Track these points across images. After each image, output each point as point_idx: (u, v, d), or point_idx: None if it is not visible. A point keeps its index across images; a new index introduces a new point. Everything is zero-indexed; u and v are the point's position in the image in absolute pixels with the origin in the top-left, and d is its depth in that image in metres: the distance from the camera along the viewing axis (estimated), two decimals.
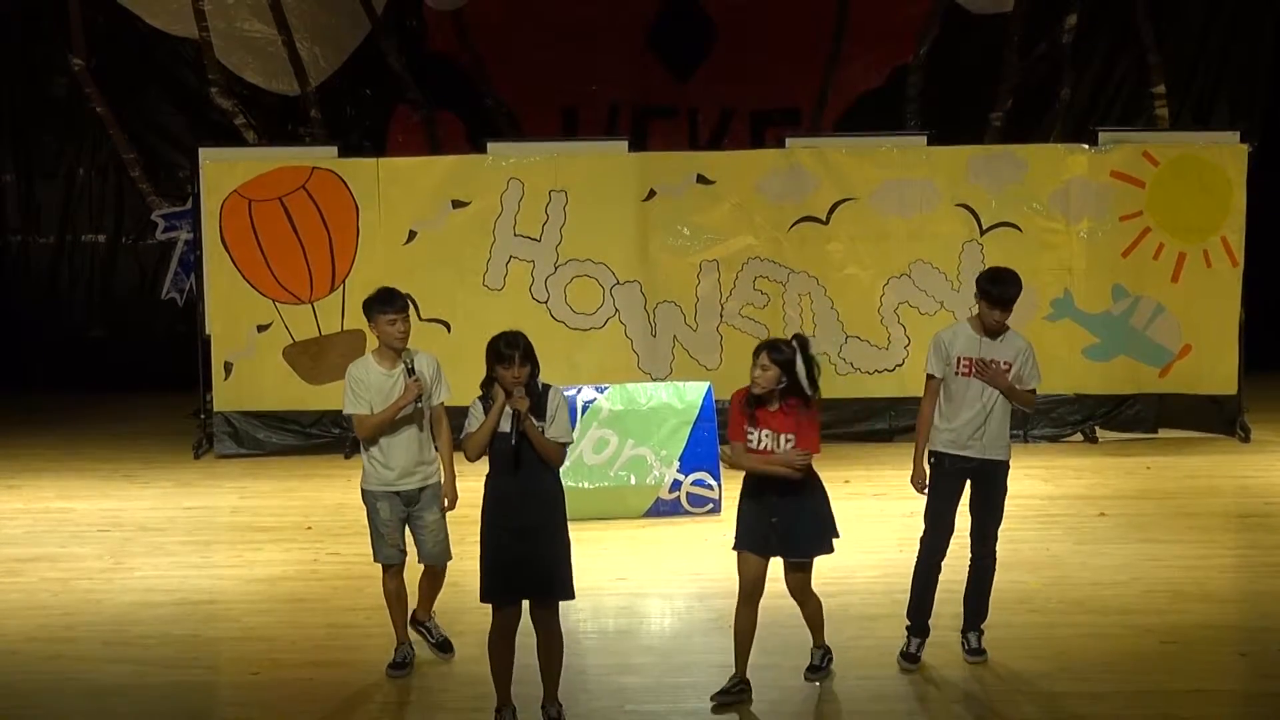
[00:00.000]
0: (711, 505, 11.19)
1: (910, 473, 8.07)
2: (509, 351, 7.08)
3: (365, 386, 7.80)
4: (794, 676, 7.69)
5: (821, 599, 8.68)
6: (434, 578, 8.15)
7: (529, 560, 7.13)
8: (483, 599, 7.27)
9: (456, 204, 13.69)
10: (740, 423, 7.40)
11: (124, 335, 17.18)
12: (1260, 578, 9.73)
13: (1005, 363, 7.82)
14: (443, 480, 7.93)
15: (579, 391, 11.42)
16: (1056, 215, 13.72)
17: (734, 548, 7.55)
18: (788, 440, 7.31)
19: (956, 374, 7.86)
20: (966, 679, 7.83)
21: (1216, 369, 13.79)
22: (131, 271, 17.43)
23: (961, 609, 8.11)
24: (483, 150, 13.94)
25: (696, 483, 11.19)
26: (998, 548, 8.04)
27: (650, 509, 11.30)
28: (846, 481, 12.38)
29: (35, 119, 17.32)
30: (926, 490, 7.99)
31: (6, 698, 7.84)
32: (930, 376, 7.96)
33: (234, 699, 7.98)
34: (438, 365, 7.93)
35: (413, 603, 8.23)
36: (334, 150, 13.97)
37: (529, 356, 7.12)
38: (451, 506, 7.97)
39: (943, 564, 8.00)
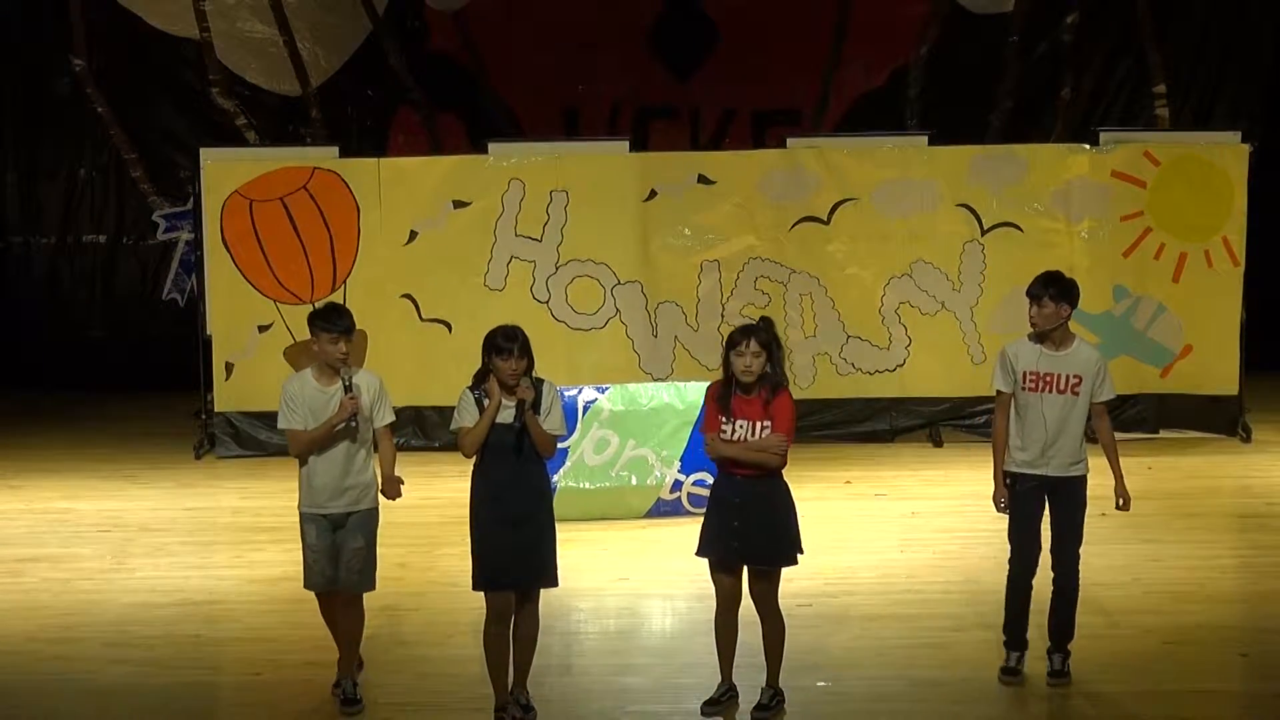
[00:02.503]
0: None
1: (992, 491, 7.80)
2: (507, 345, 7.14)
3: (300, 402, 7.49)
4: (793, 676, 7.68)
5: (820, 599, 8.70)
6: (350, 618, 7.60)
7: (521, 549, 7.23)
8: (476, 588, 7.33)
9: (457, 204, 13.69)
10: (715, 414, 7.33)
11: (125, 335, 17.17)
12: (1261, 578, 9.73)
13: (1074, 376, 7.59)
14: (381, 481, 7.57)
15: (580, 392, 11.41)
16: (1057, 215, 13.72)
17: (697, 553, 7.48)
18: (764, 427, 7.24)
19: (1023, 389, 7.64)
20: (967, 680, 7.82)
21: (1218, 369, 13.78)
22: (132, 272, 17.43)
23: (958, 611, 8.08)
24: (484, 150, 13.93)
25: (698, 483, 11.18)
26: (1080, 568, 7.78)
27: (651, 509, 11.30)
28: (848, 482, 12.39)
29: (36, 119, 17.32)
30: (1007, 510, 7.77)
31: (7, 698, 7.84)
32: (999, 392, 7.76)
33: (236, 699, 7.99)
34: (381, 385, 7.65)
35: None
36: (335, 150, 13.97)
37: (526, 350, 7.19)
38: (390, 494, 7.62)
39: (1033, 582, 7.75)
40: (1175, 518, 11.12)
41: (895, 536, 10.57)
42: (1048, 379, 7.63)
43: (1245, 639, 8.55)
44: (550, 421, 7.26)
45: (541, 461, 7.34)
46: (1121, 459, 11.71)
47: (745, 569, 7.40)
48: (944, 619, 8.23)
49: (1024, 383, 7.66)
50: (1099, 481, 12.25)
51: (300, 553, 7.66)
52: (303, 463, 7.59)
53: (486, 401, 7.17)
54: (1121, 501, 7.79)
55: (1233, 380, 13.79)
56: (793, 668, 7.69)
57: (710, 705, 7.47)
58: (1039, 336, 7.69)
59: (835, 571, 9.61)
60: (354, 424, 7.48)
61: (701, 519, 7.56)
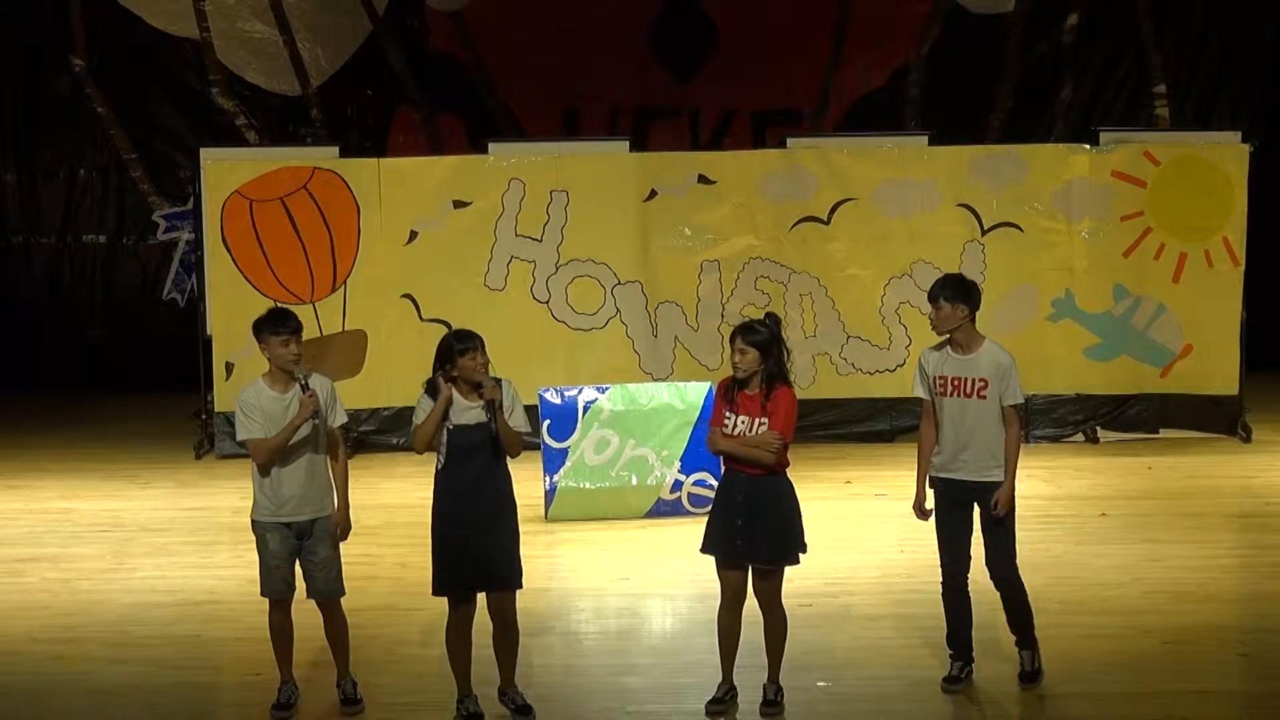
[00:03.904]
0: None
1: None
2: (468, 343, 7.15)
3: (258, 411, 7.37)
4: (793, 676, 7.68)
5: (820, 599, 8.67)
6: (335, 624, 7.60)
7: (484, 551, 7.21)
8: (436, 592, 7.31)
9: (458, 204, 13.70)
10: (721, 408, 7.39)
11: (125, 335, 17.18)
12: (1261, 578, 9.73)
13: (980, 379, 7.50)
14: (335, 509, 7.53)
15: (580, 392, 11.42)
16: (1058, 215, 13.73)
17: (701, 550, 7.49)
18: (761, 424, 7.28)
19: (936, 394, 7.60)
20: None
21: (1218, 369, 13.79)
22: (133, 272, 17.45)
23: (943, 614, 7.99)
24: (484, 150, 13.94)
25: (698, 483, 11.18)
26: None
27: (651, 509, 11.30)
28: (848, 481, 12.39)
29: (36, 119, 17.34)
30: (931, 515, 7.72)
31: (7, 698, 7.84)
32: (921, 399, 7.71)
33: (235, 699, 7.98)
34: (333, 387, 7.58)
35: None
36: (335, 150, 13.98)
37: (483, 348, 7.18)
38: (343, 537, 7.58)
39: (967, 587, 7.70)
40: (1175, 518, 11.12)
41: (895, 536, 10.55)
42: (956, 383, 7.55)
43: (1245, 639, 8.55)
44: (515, 419, 7.25)
45: (504, 463, 7.30)
46: (1122, 459, 11.68)
47: (750, 566, 7.40)
48: (944, 619, 8.20)
49: (935, 387, 7.60)
50: (1100, 481, 12.33)
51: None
52: (264, 473, 7.44)
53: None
54: (997, 504, 7.52)
55: (1233, 380, 13.80)
56: (793, 668, 7.69)
57: (715, 705, 7.45)
58: (947, 341, 7.62)
59: (835, 571, 9.61)
60: (315, 421, 7.41)
61: (703, 518, 7.56)
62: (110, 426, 15.17)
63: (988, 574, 7.68)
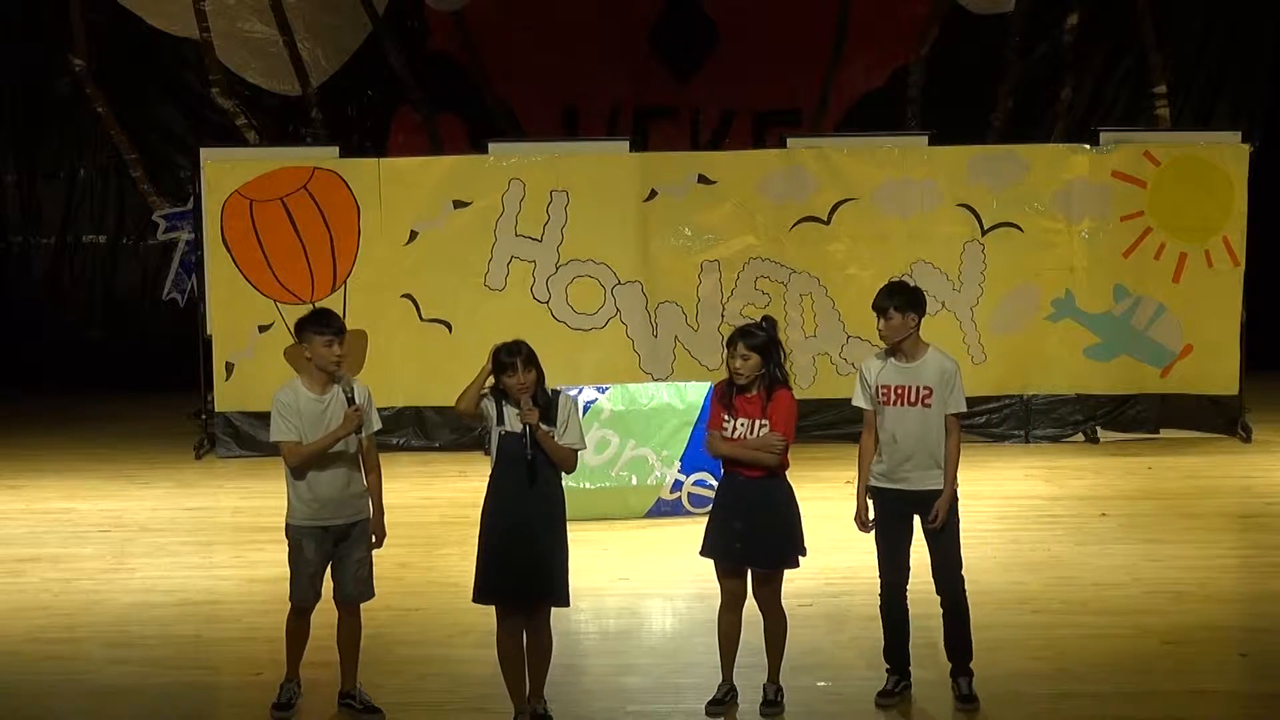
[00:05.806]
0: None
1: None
2: (509, 359, 7.07)
3: (295, 413, 7.25)
4: (793, 676, 7.68)
5: (820, 599, 8.67)
6: (350, 630, 7.50)
7: (528, 563, 7.10)
8: (476, 599, 7.22)
9: (458, 204, 13.69)
10: (719, 412, 7.37)
11: (125, 336, 17.18)
12: (1261, 578, 9.73)
13: (925, 387, 7.41)
14: (372, 515, 7.45)
15: (580, 392, 11.41)
16: (1058, 215, 13.72)
17: (700, 553, 7.48)
18: (762, 425, 7.26)
19: (880, 403, 7.48)
20: None
21: (1218, 369, 13.78)
22: (133, 272, 17.45)
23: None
24: (484, 150, 13.93)
25: (698, 483, 11.19)
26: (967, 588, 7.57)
27: (651, 509, 11.30)
28: (848, 482, 12.35)
29: (36, 119, 17.33)
30: (868, 528, 7.60)
31: (7, 698, 7.84)
32: (862, 410, 7.59)
33: (236, 700, 7.97)
34: (369, 394, 7.48)
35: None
36: (335, 150, 13.98)
37: (531, 361, 7.10)
38: (379, 544, 7.50)
39: (906, 603, 7.63)
40: (1175, 518, 11.12)
41: None
42: (899, 391, 7.44)
43: (1245, 639, 8.55)
44: (569, 436, 7.15)
45: (556, 474, 7.18)
46: (1122, 459, 11.66)
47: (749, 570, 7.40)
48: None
49: (879, 397, 7.48)
50: (1100, 481, 12.32)
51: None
52: (299, 476, 7.32)
53: (505, 405, 7.09)
54: (934, 516, 7.43)
55: (1233, 380, 13.79)
56: (793, 668, 7.69)
57: (715, 705, 7.45)
58: (890, 349, 7.52)
59: (836, 571, 9.61)
60: (359, 434, 7.35)
61: (703, 518, 7.57)
62: (110, 426, 15.17)
63: (937, 593, 7.57)
